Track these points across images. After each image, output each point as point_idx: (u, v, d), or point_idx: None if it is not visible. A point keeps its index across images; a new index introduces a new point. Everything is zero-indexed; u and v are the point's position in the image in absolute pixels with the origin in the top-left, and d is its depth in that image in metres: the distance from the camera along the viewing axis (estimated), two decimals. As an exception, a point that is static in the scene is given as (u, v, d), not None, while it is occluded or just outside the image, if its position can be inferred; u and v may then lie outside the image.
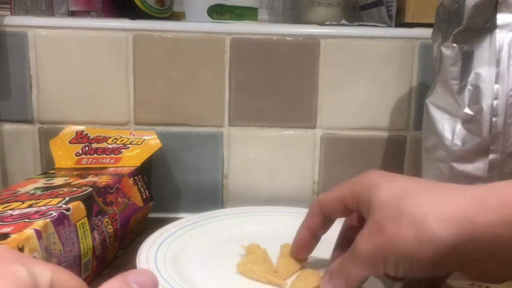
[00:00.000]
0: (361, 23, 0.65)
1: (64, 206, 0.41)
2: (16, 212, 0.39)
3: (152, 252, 0.46)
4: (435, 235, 0.30)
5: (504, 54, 0.46)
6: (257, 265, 0.44)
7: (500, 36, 0.47)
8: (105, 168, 0.56)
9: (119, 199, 0.50)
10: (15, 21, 0.60)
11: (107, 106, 0.62)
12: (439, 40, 0.50)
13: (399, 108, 0.63)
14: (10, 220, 0.37)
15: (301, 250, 0.45)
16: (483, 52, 0.48)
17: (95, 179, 0.50)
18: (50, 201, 0.42)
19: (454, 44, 0.48)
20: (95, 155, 0.58)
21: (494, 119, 0.46)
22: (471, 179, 0.48)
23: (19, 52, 0.61)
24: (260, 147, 0.64)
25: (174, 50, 0.61)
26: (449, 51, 0.49)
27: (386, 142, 0.64)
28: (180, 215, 0.63)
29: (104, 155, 0.58)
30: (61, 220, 0.39)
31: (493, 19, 0.47)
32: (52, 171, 0.56)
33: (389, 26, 0.64)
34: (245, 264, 0.45)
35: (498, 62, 0.46)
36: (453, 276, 0.48)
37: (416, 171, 0.63)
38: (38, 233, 0.36)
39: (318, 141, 0.63)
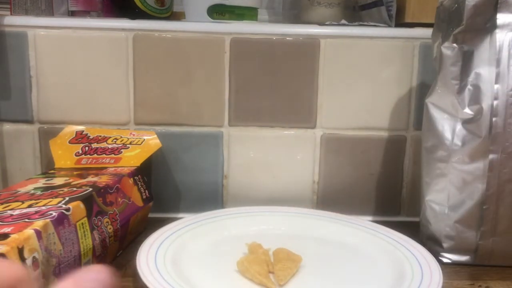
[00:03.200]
0: (361, 23, 0.65)
1: (64, 206, 0.41)
2: (16, 212, 0.39)
3: (152, 252, 0.46)
4: None
5: (504, 54, 0.46)
6: (253, 265, 0.44)
7: (500, 36, 0.47)
8: (105, 168, 0.56)
9: (119, 199, 0.50)
10: (15, 21, 0.60)
11: (107, 106, 0.62)
12: (439, 40, 0.50)
13: (399, 108, 0.63)
14: (10, 220, 0.37)
15: None
16: (483, 52, 0.48)
17: (95, 179, 0.50)
18: (50, 201, 0.42)
19: (454, 44, 0.48)
20: (95, 155, 0.58)
21: (494, 119, 0.46)
22: (471, 179, 0.48)
23: (19, 52, 0.61)
24: (260, 147, 0.64)
25: (174, 50, 0.61)
26: (449, 51, 0.49)
27: (386, 142, 0.64)
28: (180, 215, 0.63)
29: (104, 155, 0.58)
30: (61, 220, 0.39)
31: (493, 19, 0.47)
32: (52, 171, 0.56)
33: (389, 26, 0.64)
34: (243, 262, 0.45)
35: (498, 62, 0.47)
36: (452, 276, 0.48)
37: (416, 171, 0.63)
38: (38, 233, 0.36)
39: (318, 141, 0.63)
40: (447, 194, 0.50)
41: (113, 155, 0.58)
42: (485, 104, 0.47)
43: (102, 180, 0.50)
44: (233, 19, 0.67)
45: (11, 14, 0.62)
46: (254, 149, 0.64)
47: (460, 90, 0.48)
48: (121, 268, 0.48)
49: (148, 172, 0.62)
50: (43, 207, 0.40)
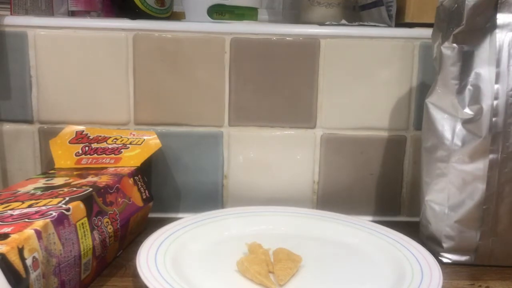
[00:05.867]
0: (361, 23, 0.65)
1: (64, 206, 0.41)
2: (16, 212, 0.39)
3: (152, 252, 0.46)
4: None
5: (504, 54, 0.46)
6: (253, 265, 0.45)
7: (500, 36, 0.47)
8: (105, 168, 0.56)
9: (119, 199, 0.50)
10: (15, 21, 0.60)
11: (107, 106, 0.62)
12: (439, 40, 0.51)
13: (399, 108, 0.63)
14: (10, 220, 0.37)
15: None
16: (483, 52, 0.48)
17: (95, 179, 0.50)
18: (50, 201, 0.42)
19: (454, 44, 0.48)
20: (95, 155, 0.58)
21: (494, 119, 0.46)
22: (471, 179, 0.48)
23: (19, 52, 0.61)
24: (260, 147, 0.64)
25: (174, 50, 0.61)
26: (449, 51, 0.49)
27: (386, 142, 0.64)
28: (180, 215, 0.63)
29: (104, 155, 0.58)
30: (61, 220, 0.39)
31: (493, 19, 0.47)
32: (52, 171, 0.56)
33: (389, 26, 0.64)
34: (243, 262, 0.45)
35: (498, 62, 0.47)
36: (452, 276, 0.48)
37: (416, 171, 0.63)
38: (38, 233, 0.36)
39: (318, 141, 0.63)
40: (447, 194, 0.50)
41: (113, 155, 0.58)
42: (485, 104, 0.47)
43: (102, 180, 0.50)
44: (233, 19, 0.67)
45: (11, 14, 0.62)
46: (254, 149, 0.64)
47: (460, 90, 0.48)
48: (121, 268, 0.48)
49: (148, 172, 0.62)
50: (43, 207, 0.40)
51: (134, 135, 0.60)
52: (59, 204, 0.41)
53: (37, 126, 0.62)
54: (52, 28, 0.61)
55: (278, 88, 0.62)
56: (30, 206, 0.41)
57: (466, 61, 0.48)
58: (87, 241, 0.42)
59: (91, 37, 0.61)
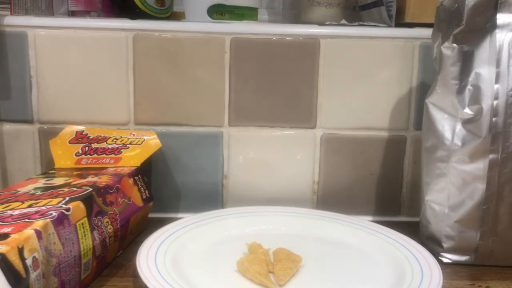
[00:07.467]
0: (361, 23, 0.65)
1: (64, 206, 0.41)
2: (16, 212, 0.39)
3: (152, 252, 0.46)
4: None
5: (504, 54, 0.46)
6: (253, 265, 0.45)
7: (500, 36, 0.47)
8: (105, 168, 0.56)
9: (119, 199, 0.50)
10: (15, 21, 0.60)
11: (107, 106, 0.62)
12: (439, 40, 0.51)
13: (399, 108, 0.63)
14: (10, 220, 0.37)
15: None
16: (483, 52, 0.48)
17: (95, 179, 0.50)
18: (50, 201, 0.42)
19: (454, 44, 0.48)
20: (95, 155, 0.58)
21: (494, 119, 0.46)
22: (471, 179, 0.48)
23: (19, 52, 0.61)
24: (260, 147, 0.64)
25: (174, 50, 0.61)
26: (449, 51, 0.49)
27: (386, 142, 0.64)
28: (180, 215, 0.63)
29: (104, 155, 0.58)
30: (61, 220, 0.39)
31: (493, 19, 0.47)
32: (52, 171, 0.56)
33: (389, 26, 0.64)
34: (243, 262, 0.45)
35: (498, 62, 0.47)
36: (452, 276, 0.48)
37: (416, 171, 0.63)
38: (38, 233, 0.36)
39: (318, 141, 0.64)
40: (447, 194, 0.50)
41: (113, 155, 0.58)
42: (485, 104, 0.47)
43: (102, 180, 0.50)
44: (233, 19, 0.67)
45: (11, 14, 0.62)
46: (254, 149, 0.64)
47: (460, 90, 0.48)
48: (121, 268, 0.48)
49: (148, 172, 0.62)
50: (43, 207, 0.40)
51: (134, 135, 0.60)
52: (59, 204, 0.41)
53: (37, 126, 0.62)
54: (52, 28, 0.61)
55: (278, 88, 0.62)
56: (30, 206, 0.41)
57: (466, 61, 0.48)
58: (87, 241, 0.42)
59: (91, 37, 0.61)
